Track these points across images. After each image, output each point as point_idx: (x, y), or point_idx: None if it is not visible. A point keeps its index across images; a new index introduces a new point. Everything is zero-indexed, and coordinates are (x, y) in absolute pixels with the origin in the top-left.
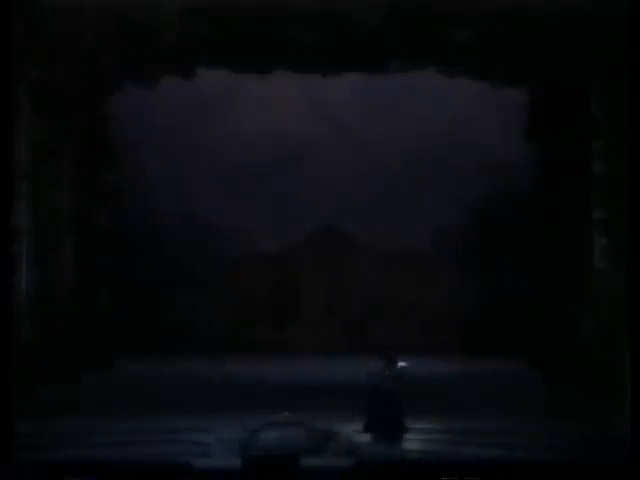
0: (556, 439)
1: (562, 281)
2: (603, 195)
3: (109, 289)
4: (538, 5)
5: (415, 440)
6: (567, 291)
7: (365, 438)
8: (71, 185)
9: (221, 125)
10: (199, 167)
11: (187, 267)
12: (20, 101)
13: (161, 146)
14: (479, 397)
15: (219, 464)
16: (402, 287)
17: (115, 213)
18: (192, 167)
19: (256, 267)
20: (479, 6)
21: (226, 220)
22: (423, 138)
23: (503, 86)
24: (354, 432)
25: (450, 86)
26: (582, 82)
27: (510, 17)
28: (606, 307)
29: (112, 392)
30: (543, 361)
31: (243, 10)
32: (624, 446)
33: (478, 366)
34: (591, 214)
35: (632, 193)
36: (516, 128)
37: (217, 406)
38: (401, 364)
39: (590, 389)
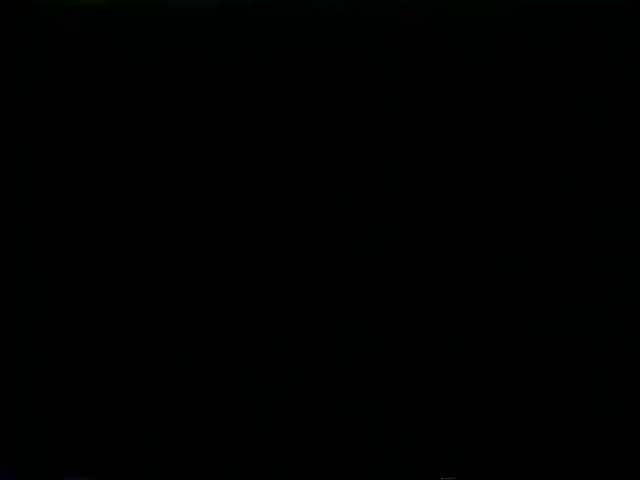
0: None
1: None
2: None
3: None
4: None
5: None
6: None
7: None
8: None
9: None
10: (196, 167)
11: (189, 266)
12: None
13: (160, 145)
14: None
15: None
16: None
17: (116, 212)
18: (189, 167)
19: (259, 266)
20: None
21: (225, 219)
22: (426, 137)
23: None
24: None
25: (452, 85)
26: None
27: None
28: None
29: (111, 390)
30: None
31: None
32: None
33: None
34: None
35: None
36: (519, 126)
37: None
38: None
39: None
